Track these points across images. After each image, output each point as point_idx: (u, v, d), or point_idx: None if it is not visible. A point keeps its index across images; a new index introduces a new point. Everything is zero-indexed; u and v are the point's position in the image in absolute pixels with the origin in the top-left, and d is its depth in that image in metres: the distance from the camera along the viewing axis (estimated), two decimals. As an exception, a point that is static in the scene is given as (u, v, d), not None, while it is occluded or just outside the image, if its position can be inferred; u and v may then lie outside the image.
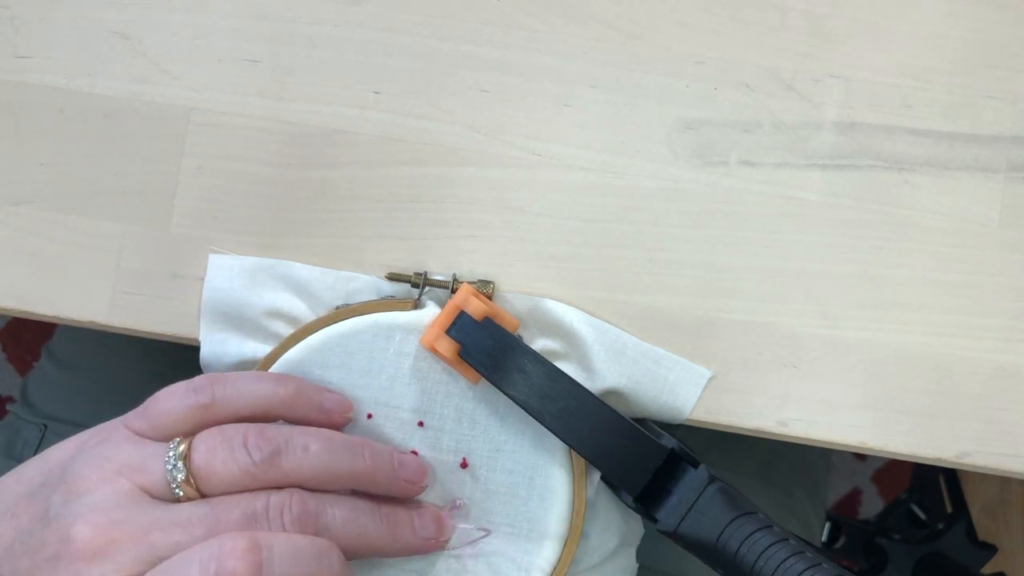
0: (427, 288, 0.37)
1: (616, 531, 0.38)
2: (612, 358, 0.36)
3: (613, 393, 0.37)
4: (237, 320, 0.37)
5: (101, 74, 0.38)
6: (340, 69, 0.38)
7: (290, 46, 0.38)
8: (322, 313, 0.37)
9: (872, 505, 1.03)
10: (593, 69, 0.38)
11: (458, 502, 0.36)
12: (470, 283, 0.36)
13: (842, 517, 0.80)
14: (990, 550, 0.75)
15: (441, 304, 0.37)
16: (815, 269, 0.37)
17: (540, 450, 0.36)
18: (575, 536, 0.36)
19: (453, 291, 0.36)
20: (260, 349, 0.37)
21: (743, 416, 0.37)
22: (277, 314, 0.37)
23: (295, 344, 0.36)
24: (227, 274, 0.37)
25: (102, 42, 0.38)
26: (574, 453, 0.36)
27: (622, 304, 0.37)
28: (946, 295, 0.37)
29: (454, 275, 0.37)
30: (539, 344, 0.37)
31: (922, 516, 0.79)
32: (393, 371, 0.36)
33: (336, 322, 0.36)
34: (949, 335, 0.37)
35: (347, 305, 0.37)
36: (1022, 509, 0.76)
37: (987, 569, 0.76)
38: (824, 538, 0.79)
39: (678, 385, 0.37)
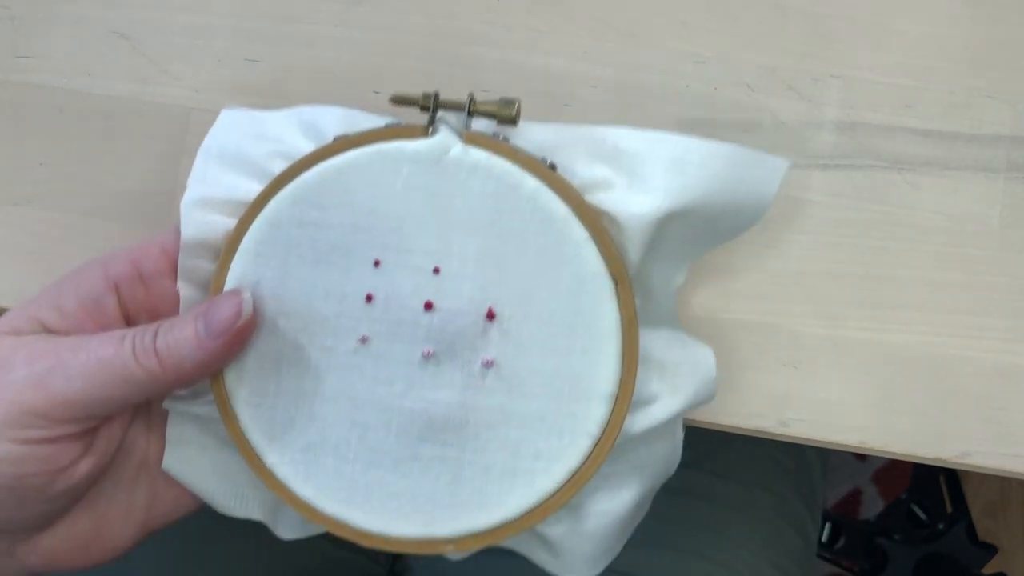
0: (440, 112, 0.32)
1: (686, 395, 0.33)
2: (673, 170, 0.31)
3: (679, 213, 0.31)
4: (235, 160, 0.32)
5: (101, 74, 0.38)
6: (340, 69, 0.38)
7: (290, 46, 0.38)
8: None
9: (872, 505, 1.03)
10: (593, 69, 0.38)
11: (487, 358, 0.31)
12: (491, 102, 0.31)
13: (842, 517, 0.80)
14: (990, 550, 0.75)
15: (456, 131, 0.32)
16: (815, 269, 0.37)
17: (582, 293, 0.31)
18: (626, 394, 0.31)
19: (470, 113, 0.31)
20: (255, 191, 0.32)
21: (744, 417, 0.37)
22: (279, 155, 0.32)
23: (288, 182, 0.31)
24: (233, 123, 0.33)
25: (102, 42, 0.38)
26: (623, 295, 0.31)
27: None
28: (947, 295, 0.37)
29: (470, 94, 0.32)
30: (580, 176, 0.32)
31: (922, 516, 0.79)
32: (403, 209, 0.31)
33: (334, 155, 0.31)
34: (949, 335, 0.37)
35: (346, 135, 0.32)
36: (1022, 509, 0.76)
37: (987, 569, 0.76)
38: (824, 538, 0.79)
39: (754, 182, 0.32)
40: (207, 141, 0.33)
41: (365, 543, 0.32)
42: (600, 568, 0.34)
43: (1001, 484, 0.78)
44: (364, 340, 0.31)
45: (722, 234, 0.34)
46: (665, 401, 0.33)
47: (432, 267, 0.31)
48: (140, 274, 0.32)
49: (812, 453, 0.56)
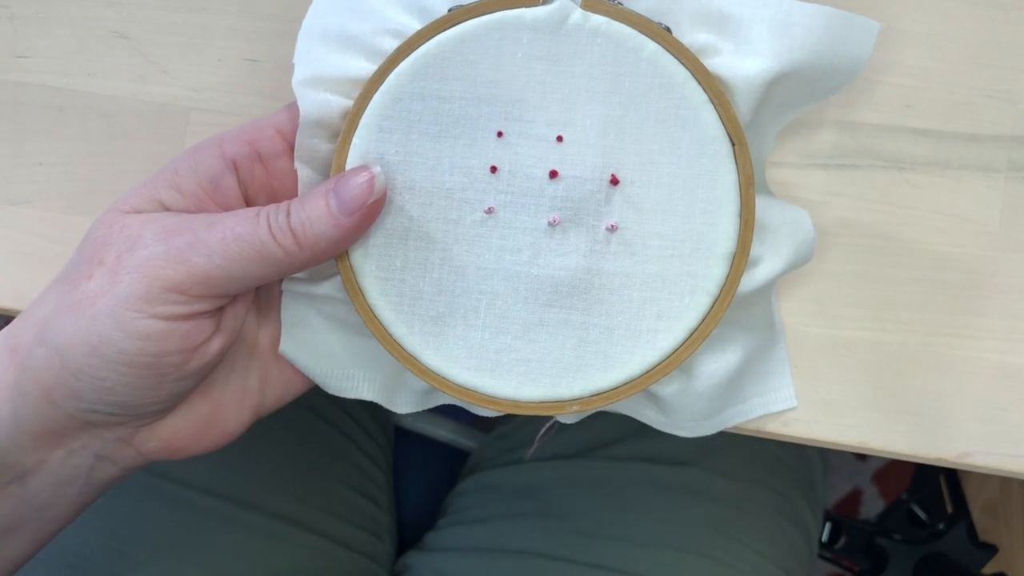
0: None
1: (787, 255, 0.34)
2: (779, 33, 0.32)
3: (785, 75, 0.32)
4: (339, 39, 0.32)
5: (100, 74, 0.38)
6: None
7: (290, 46, 0.38)
8: None
9: (872, 505, 1.03)
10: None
11: (610, 223, 0.32)
12: None
13: (843, 517, 0.80)
14: (991, 550, 0.75)
15: None
16: (815, 268, 0.37)
17: (701, 156, 0.32)
18: (744, 253, 0.32)
19: None
20: (366, 68, 0.32)
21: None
22: (385, 31, 0.32)
23: (406, 56, 0.31)
24: (331, 3, 0.33)
25: (101, 42, 0.38)
26: (740, 156, 0.32)
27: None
28: (947, 295, 0.37)
29: None
30: (686, 42, 0.32)
31: (923, 516, 0.79)
32: (524, 79, 0.31)
33: (452, 25, 0.31)
34: (950, 335, 0.37)
35: (461, 5, 0.31)
36: (1023, 509, 0.76)
37: (988, 569, 0.76)
38: (824, 538, 0.79)
39: (851, 44, 0.33)
40: (307, 22, 0.32)
41: (495, 408, 0.33)
42: (706, 430, 0.36)
43: (1001, 484, 0.78)
44: (490, 211, 0.32)
45: (816, 95, 0.34)
46: (769, 262, 0.33)
47: (555, 136, 0.32)
48: (258, 154, 0.32)
49: (813, 451, 0.56)
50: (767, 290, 0.34)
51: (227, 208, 0.31)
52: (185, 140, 0.38)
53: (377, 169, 0.31)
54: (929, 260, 0.37)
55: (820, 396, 0.37)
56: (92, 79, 0.38)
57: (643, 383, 0.33)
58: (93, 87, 0.38)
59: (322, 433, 0.54)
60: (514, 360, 0.33)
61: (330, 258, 0.31)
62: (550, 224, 0.32)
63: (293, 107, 0.32)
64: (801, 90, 0.34)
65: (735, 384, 0.35)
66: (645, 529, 0.50)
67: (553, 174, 0.32)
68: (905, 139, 0.37)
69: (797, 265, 0.34)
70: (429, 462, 0.65)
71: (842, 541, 0.80)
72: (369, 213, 0.31)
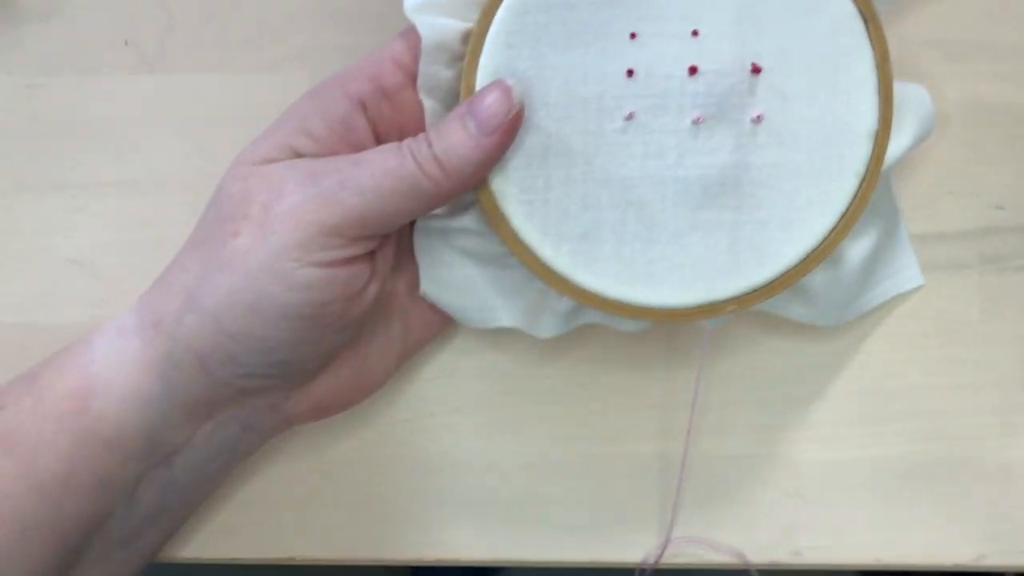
0: None
1: (912, 130, 0.34)
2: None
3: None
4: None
5: (58, 304, 0.37)
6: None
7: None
8: None
9: None
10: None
11: (755, 114, 0.31)
12: None
13: None
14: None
15: None
16: (806, 393, 0.37)
17: (838, 35, 0.31)
18: (886, 128, 0.32)
19: None
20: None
21: (755, 551, 0.37)
22: None
23: None
24: None
25: (55, 271, 0.37)
26: (875, 33, 0.31)
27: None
28: (938, 398, 0.37)
29: None
30: None
31: None
32: None
33: None
34: (948, 438, 0.37)
35: None
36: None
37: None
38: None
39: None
40: None
41: (651, 318, 0.32)
42: (850, 315, 0.36)
43: None
44: (630, 117, 0.31)
45: None
46: (897, 138, 0.33)
47: (690, 31, 0.31)
48: (382, 89, 0.31)
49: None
50: (890, 170, 0.34)
51: (360, 149, 0.31)
52: (154, 356, 0.37)
53: (511, 81, 0.30)
54: (917, 366, 0.37)
55: (828, 520, 0.36)
56: (49, 311, 0.37)
57: (798, 274, 0.32)
58: (51, 318, 0.37)
59: None
60: (668, 268, 0.32)
61: (477, 182, 0.31)
62: (694, 123, 0.31)
63: (408, 34, 0.31)
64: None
65: (872, 267, 0.35)
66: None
67: (692, 70, 0.31)
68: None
69: (922, 139, 0.34)
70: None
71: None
72: (509, 129, 0.30)
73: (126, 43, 0.38)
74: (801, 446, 0.37)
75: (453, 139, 0.29)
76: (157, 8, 0.38)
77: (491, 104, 0.29)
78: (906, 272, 0.36)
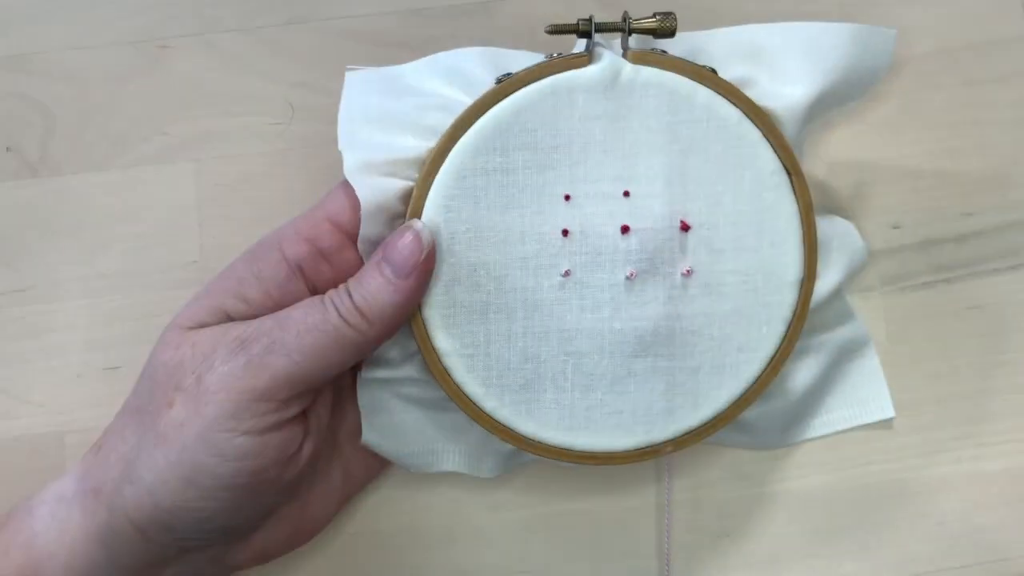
0: (597, 38, 0.32)
1: (840, 267, 0.35)
2: (812, 56, 0.33)
3: (820, 96, 0.33)
4: (382, 119, 0.32)
5: (-38, 421, 0.37)
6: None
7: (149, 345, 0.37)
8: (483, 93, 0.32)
9: None
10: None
11: (685, 268, 0.32)
12: (648, 18, 0.32)
13: None
14: None
15: (617, 52, 0.32)
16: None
17: (763, 190, 0.32)
18: (811, 276, 0.33)
19: (629, 32, 0.32)
20: (417, 147, 0.32)
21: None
22: (430, 106, 0.32)
23: (464, 132, 0.32)
24: (365, 83, 0.33)
25: (-45, 388, 0.37)
26: (798, 185, 0.33)
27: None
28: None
29: (625, 12, 0.33)
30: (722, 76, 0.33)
31: None
32: (584, 140, 0.32)
33: (505, 96, 0.32)
34: (874, 463, 0.37)
35: (510, 75, 0.32)
36: None
37: None
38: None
39: (874, 56, 0.34)
40: (344, 105, 0.33)
41: (591, 462, 0.33)
42: (794, 438, 0.37)
43: None
44: (567, 274, 0.32)
45: (840, 103, 0.35)
46: (826, 277, 0.34)
47: (622, 191, 0.32)
48: (320, 251, 0.32)
49: None
50: (832, 301, 0.35)
51: None
52: (65, 464, 0.36)
53: (419, 224, 0.31)
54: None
55: (760, 554, 0.37)
56: (-46, 429, 0.37)
57: (731, 414, 0.33)
58: (-43, 436, 0.36)
59: None
60: (606, 414, 0.33)
61: (400, 325, 0.31)
62: (627, 278, 0.32)
63: (343, 192, 0.32)
64: (829, 102, 0.34)
65: (817, 396, 0.36)
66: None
67: (625, 229, 0.32)
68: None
69: (854, 273, 0.36)
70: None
71: None
72: (425, 270, 0.31)
73: (7, 149, 0.37)
74: (725, 484, 0.37)
75: (372, 286, 0.30)
76: (35, 112, 0.38)
77: (404, 248, 0.30)
78: (874, 403, 0.37)
